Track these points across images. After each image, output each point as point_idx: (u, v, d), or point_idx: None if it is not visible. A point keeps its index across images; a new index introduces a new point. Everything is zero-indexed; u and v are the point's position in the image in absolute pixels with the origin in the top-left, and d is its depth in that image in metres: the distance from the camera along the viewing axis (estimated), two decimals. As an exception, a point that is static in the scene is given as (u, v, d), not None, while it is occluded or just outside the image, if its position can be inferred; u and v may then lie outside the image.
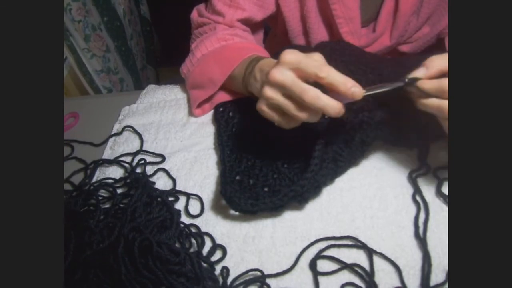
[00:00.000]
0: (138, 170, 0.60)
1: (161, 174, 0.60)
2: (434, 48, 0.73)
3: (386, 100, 0.50)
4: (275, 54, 0.69)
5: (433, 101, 0.44)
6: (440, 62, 0.43)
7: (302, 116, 0.45)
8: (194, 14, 0.74)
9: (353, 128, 0.52)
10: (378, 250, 0.47)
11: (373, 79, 0.52)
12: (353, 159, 0.55)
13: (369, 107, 0.52)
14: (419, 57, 0.63)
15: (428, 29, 0.70)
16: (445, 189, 0.52)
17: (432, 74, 0.43)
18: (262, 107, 0.47)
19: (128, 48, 1.46)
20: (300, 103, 0.44)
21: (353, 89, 0.42)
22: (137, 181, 0.56)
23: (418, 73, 0.44)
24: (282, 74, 0.44)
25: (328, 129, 0.53)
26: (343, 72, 0.44)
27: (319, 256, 0.47)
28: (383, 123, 0.52)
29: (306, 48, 0.71)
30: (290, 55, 0.44)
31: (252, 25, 0.72)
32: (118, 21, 1.36)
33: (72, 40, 1.16)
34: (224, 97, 0.66)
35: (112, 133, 0.69)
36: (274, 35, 0.85)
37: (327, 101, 0.43)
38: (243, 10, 0.68)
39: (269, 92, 0.45)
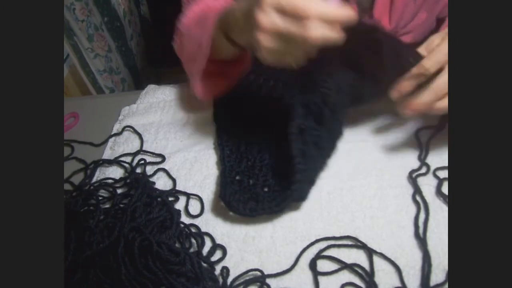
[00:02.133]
0: (138, 170, 0.60)
1: (161, 174, 0.60)
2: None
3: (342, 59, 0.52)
4: None
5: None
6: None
7: (315, 34, 0.39)
8: None
9: (316, 105, 0.52)
10: (378, 250, 0.47)
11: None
12: (331, 139, 0.55)
13: (324, 79, 0.52)
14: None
15: (426, 14, 0.69)
16: (445, 189, 0.52)
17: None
18: (260, 37, 0.42)
19: (129, 48, 1.46)
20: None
21: (345, 16, 0.41)
22: (137, 181, 0.56)
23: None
24: (269, 16, 0.40)
25: (296, 112, 0.52)
26: None
27: (319, 256, 0.47)
28: (344, 87, 0.52)
29: None
30: None
31: None
32: (118, 22, 1.37)
33: (76, 40, 1.16)
34: (220, 82, 0.63)
35: (112, 133, 0.69)
36: None
37: (331, 11, 0.40)
38: None
39: (265, 37, 0.41)
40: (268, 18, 0.40)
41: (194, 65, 0.61)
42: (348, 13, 0.41)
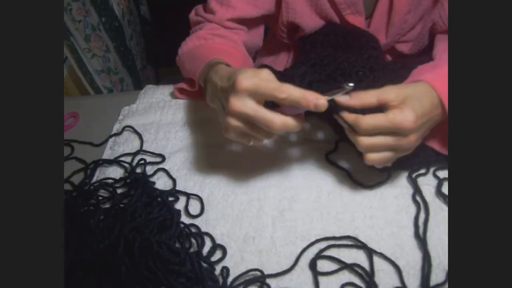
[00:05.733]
0: (138, 170, 0.60)
1: (161, 174, 0.60)
2: (428, 49, 0.73)
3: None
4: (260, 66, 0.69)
5: (352, 135, 0.46)
6: (362, 95, 0.45)
7: (272, 138, 0.47)
8: (192, 14, 0.76)
9: None
10: (378, 250, 0.47)
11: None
12: None
13: None
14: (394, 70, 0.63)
15: (420, 28, 0.70)
16: (445, 189, 0.52)
17: (353, 104, 0.45)
18: (231, 135, 0.48)
19: (127, 49, 1.46)
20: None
21: (315, 101, 0.43)
22: (137, 181, 0.56)
23: (343, 98, 0.45)
24: (243, 105, 0.44)
25: None
26: None
27: (319, 256, 0.47)
28: None
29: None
30: (245, 81, 0.44)
31: (248, 23, 0.72)
32: (116, 22, 1.36)
33: (72, 40, 1.16)
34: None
35: (112, 133, 0.69)
36: (273, 35, 0.85)
37: (292, 122, 0.44)
38: (233, 9, 0.68)
39: (234, 122, 0.46)
40: (242, 102, 0.44)
41: (185, 83, 0.71)
42: (299, 128, 0.45)
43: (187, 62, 0.67)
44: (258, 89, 0.44)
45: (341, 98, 0.45)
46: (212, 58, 0.60)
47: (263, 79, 0.45)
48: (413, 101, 0.44)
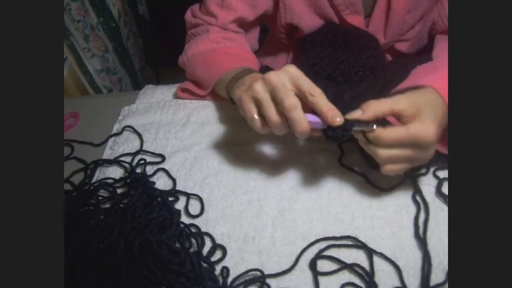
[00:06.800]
0: (138, 170, 0.60)
1: (161, 174, 0.60)
2: (428, 48, 0.74)
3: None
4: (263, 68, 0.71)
5: (370, 147, 0.46)
6: (375, 107, 0.45)
7: (275, 120, 0.46)
8: (188, 15, 0.75)
9: None
10: (378, 250, 0.47)
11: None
12: None
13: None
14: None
15: (420, 26, 0.70)
16: (445, 189, 0.52)
17: (367, 118, 0.45)
18: (245, 96, 0.48)
19: (125, 49, 1.46)
20: (278, 109, 0.46)
21: (334, 114, 0.44)
22: (137, 181, 0.56)
23: (355, 114, 0.45)
24: (279, 78, 0.46)
25: None
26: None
27: (319, 256, 0.47)
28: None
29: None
30: (293, 68, 0.47)
31: (246, 25, 0.72)
32: (113, 22, 1.36)
33: (72, 40, 1.16)
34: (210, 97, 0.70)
35: (112, 133, 0.69)
36: (272, 35, 0.86)
37: (301, 116, 0.45)
38: (234, 11, 0.69)
39: (259, 86, 0.47)
40: (278, 76, 0.46)
41: (190, 83, 0.71)
42: (302, 129, 0.45)
43: (199, 66, 0.68)
44: (300, 78, 0.46)
45: (354, 113, 0.45)
46: (240, 66, 0.61)
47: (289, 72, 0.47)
48: (429, 111, 0.43)
